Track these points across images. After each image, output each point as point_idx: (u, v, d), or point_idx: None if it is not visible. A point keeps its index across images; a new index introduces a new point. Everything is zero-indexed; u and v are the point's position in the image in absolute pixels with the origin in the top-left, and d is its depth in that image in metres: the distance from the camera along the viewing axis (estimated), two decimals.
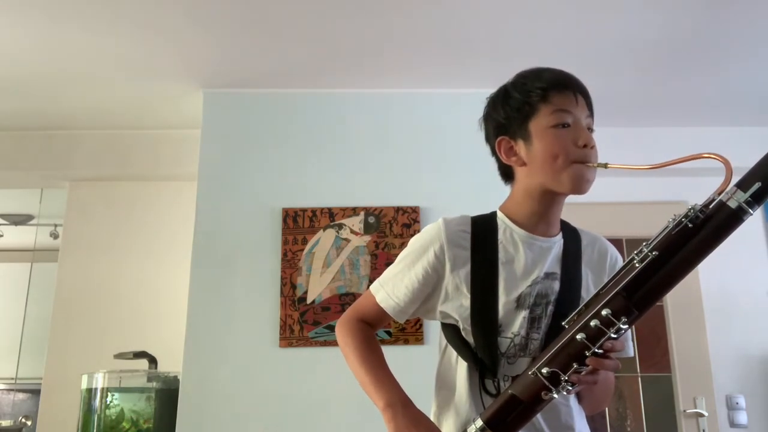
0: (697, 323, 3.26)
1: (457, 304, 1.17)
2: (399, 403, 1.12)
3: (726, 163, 0.96)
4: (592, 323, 0.98)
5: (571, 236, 1.25)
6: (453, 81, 2.89)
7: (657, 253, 0.97)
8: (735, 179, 0.95)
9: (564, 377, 0.99)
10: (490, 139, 1.26)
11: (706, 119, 3.28)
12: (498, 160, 1.26)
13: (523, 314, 1.15)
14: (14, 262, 5.15)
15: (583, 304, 1.04)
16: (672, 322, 3.29)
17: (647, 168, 1.07)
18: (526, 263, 1.18)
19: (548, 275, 1.18)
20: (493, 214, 1.25)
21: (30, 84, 2.92)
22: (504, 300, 1.15)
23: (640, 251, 0.99)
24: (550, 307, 1.16)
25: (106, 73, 2.84)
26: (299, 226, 2.77)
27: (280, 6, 2.37)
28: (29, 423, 4.58)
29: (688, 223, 0.96)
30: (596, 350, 0.98)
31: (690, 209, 0.96)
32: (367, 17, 2.45)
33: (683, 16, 2.46)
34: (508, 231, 1.21)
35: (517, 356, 1.15)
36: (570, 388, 1.00)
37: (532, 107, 1.17)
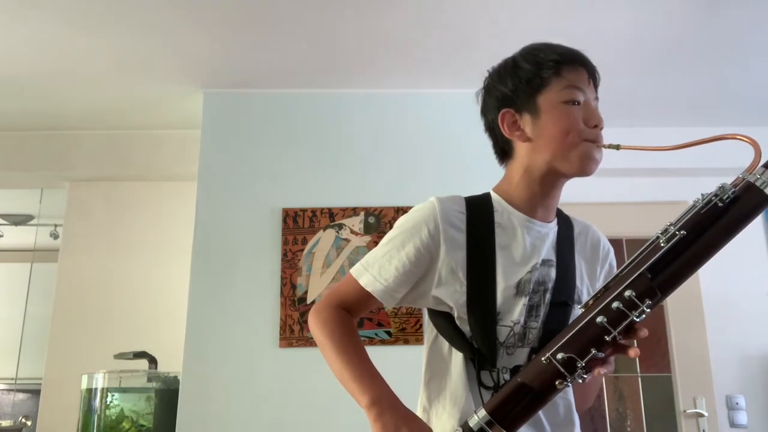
0: (697, 323, 3.26)
1: (451, 289, 1.09)
2: (385, 400, 1.01)
3: (754, 143, 0.93)
4: (614, 305, 0.92)
5: (565, 223, 1.20)
6: (452, 81, 2.88)
7: (685, 232, 0.91)
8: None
9: (580, 364, 0.92)
10: (489, 112, 1.18)
11: (706, 119, 3.28)
12: (495, 136, 1.18)
13: (523, 301, 1.08)
14: (14, 262, 5.15)
15: (602, 286, 0.97)
16: (672, 322, 3.29)
17: (664, 149, 1.01)
18: (525, 248, 1.11)
19: (545, 262, 1.12)
20: (487, 195, 1.17)
21: (30, 84, 2.92)
22: (503, 286, 1.08)
23: (666, 231, 0.93)
24: (548, 295, 1.10)
25: (106, 74, 2.84)
26: (299, 226, 2.77)
27: (280, 6, 2.37)
28: (29, 423, 4.57)
29: (718, 202, 0.91)
30: (616, 334, 0.92)
31: (720, 187, 0.92)
32: (367, 17, 2.45)
33: (683, 16, 2.46)
34: (505, 214, 1.14)
35: (515, 346, 1.08)
36: (585, 376, 0.93)
37: (544, 80, 1.11)
